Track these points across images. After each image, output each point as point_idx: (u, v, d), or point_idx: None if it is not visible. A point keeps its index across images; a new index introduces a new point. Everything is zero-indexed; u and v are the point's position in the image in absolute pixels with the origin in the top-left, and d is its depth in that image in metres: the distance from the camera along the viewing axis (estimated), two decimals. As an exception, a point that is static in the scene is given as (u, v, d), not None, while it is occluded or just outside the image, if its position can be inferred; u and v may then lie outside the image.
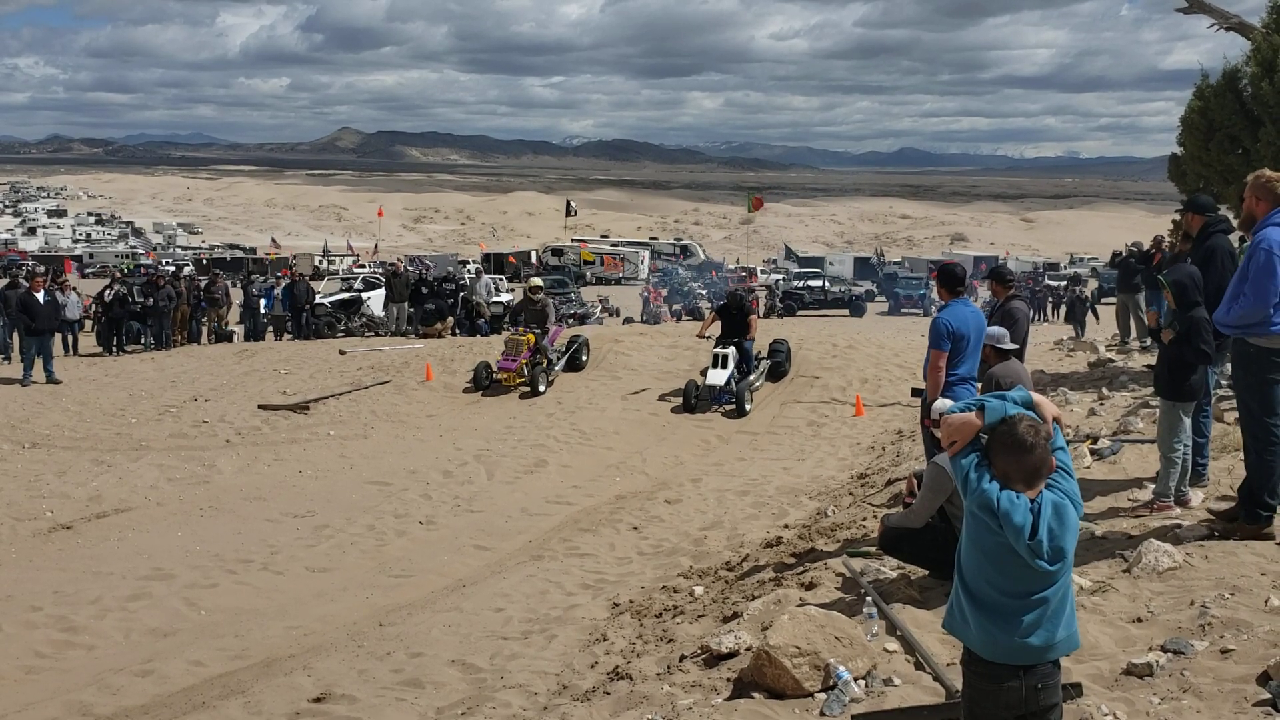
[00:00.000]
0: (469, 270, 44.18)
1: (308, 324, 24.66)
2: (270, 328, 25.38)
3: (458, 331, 24.03)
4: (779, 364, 16.77)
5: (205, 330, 24.55)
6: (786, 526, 9.36)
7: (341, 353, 19.57)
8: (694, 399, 15.17)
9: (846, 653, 4.75)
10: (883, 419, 14.30)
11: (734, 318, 16.08)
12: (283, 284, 27.20)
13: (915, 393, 10.39)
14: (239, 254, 75.53)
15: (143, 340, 22.75)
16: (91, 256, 75.36)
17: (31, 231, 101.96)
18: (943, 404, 5.90)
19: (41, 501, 11.24)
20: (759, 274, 62.44)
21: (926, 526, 5.92)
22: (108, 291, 22.78)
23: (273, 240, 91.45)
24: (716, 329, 16.40)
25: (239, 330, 25.37)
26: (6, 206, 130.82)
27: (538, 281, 19.02)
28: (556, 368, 17.17)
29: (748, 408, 15.05)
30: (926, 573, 6.06)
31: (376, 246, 58.04)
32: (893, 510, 7.19)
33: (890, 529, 6.14)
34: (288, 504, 11.41)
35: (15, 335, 19.71)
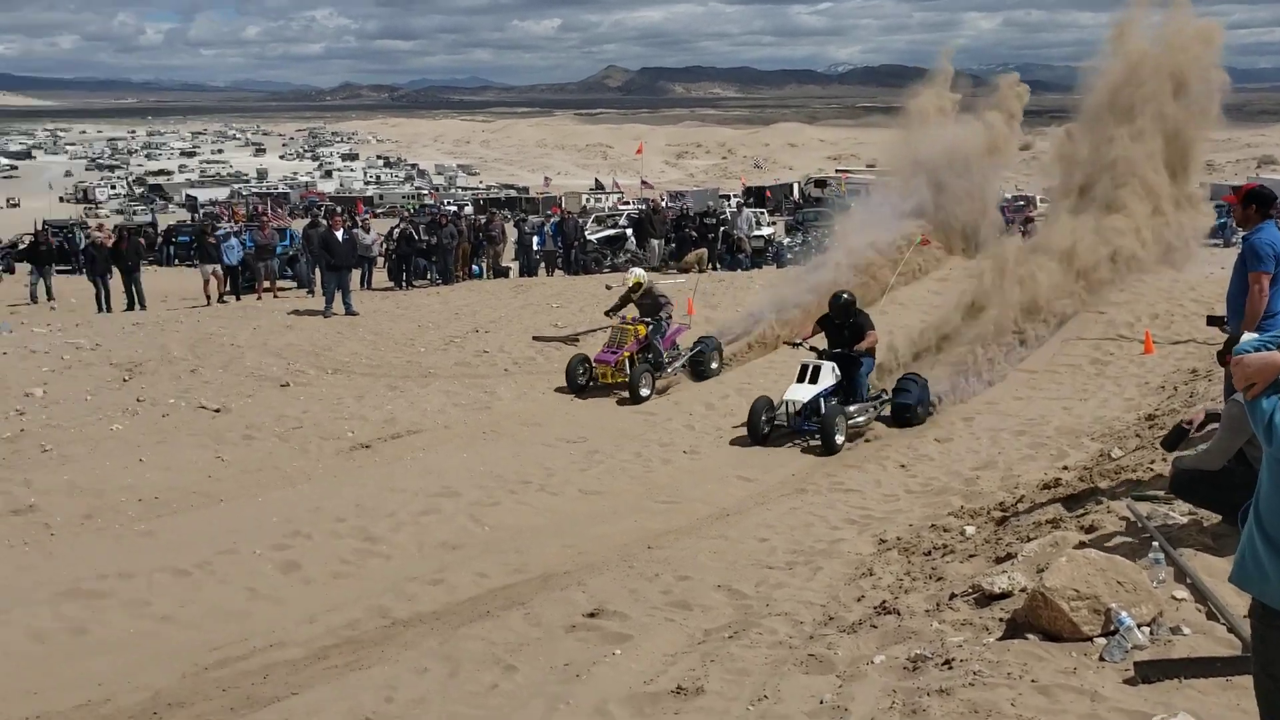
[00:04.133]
0: (730, 205, 44.22)
1: (576, 260, 25.55)
2: (542, 264, 26.47)
3: (717, 266, 24.22)
4: (906, 407, 12.04)
5: (484, 266, 25.91)
6: (1066, 468, 8.94)
7: (608, 287, 20.14)
8: (764, 424, 11.63)
9: (1129, 598, 4.53)
10: (1175, 357, 13.33)
11: (839, 332, 12.32)
12: (552, 221, 28.22)
13: (1210, 320, 9.44)
14: (514, 194, 78.67)
15: (429, 275, 24.26)
16: (381, 198, 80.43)
17: (328, 174, 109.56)
18: (1244, 338, 5.42)
19: (343, 423, 12.25)
20: (1038, 202, 58.96)
21: (1223, 469, 5.50)
22: (395, 230, 24.42)
23: (546, 179, 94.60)
24: (820, 342, 12.48)
25: (514, 266, 26.61)
26: (305, 151, 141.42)
27: (640, 275, 15.51)
28: (669, 370, 14.36)
29: (839, 441, 11.18)
30: (1220, 519, 5.64)
31: (644, 183, 59.09)
32: (1185, 452, 6.71)
33: (1183, 471, 5.75)
34: (561, 430, 11.99)
35: (317, 271, 21.41)
